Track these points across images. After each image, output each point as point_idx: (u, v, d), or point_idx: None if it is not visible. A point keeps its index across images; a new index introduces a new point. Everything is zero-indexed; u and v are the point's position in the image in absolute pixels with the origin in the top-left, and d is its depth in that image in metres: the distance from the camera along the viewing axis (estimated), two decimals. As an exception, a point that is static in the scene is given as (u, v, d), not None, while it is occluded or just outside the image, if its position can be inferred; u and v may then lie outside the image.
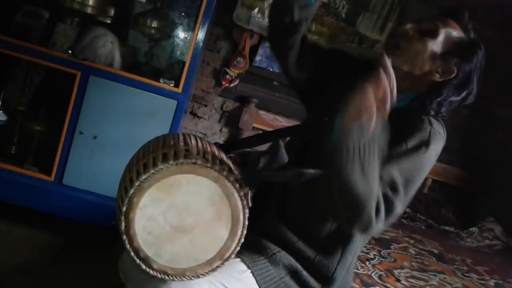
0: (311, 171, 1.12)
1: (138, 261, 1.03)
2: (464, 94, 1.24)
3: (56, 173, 2.24)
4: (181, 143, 1.05)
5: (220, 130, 3.45)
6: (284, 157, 1.15)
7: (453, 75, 1.21)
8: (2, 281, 1.90)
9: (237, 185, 1.04)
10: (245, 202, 1.05)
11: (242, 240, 1.08)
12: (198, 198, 1.03)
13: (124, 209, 1.00)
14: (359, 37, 3.16)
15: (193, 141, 1.07)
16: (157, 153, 1.01)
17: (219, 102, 3.40)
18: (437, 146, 1.18)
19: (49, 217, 2.26)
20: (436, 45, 1.20)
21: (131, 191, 0.99)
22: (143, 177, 0.98)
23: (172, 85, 2.26)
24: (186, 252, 1.05)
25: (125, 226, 1.01)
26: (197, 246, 1.05)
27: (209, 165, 1.01)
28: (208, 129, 3.44)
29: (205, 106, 3.38)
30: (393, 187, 1.11)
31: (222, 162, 1.04)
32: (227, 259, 1.08)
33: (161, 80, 2.25)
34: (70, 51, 2.18)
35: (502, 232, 3.40)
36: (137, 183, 0.98)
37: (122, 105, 2.22)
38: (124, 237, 1.01)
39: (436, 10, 1.31)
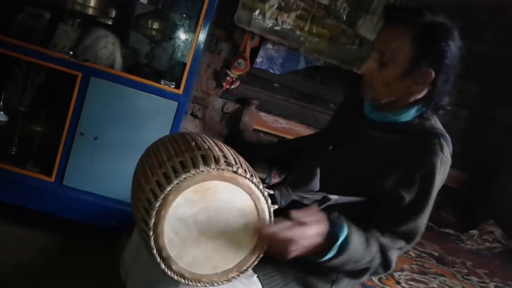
0: (336, 197, 1.15)
1: (159, 259, 1.01)
2: (451, 75, 1.19)
3: (57, 174, 2.24)
4: (216, 148, 1.03)
5: (221, 132, 3.46)
6: (317, 185, 1.15)
7: (432, 77, 1.16)
8: (2, 282, 1.89)
9: (269, 201, 1.04)
10: (272, 219, 1.05)
11: (261, 255, 1.07)
12: (230, 206, 1.02)
13: (157, 204, 0.96)
14: (360, 39, 3.16)
15: (225, 148, 1.06)
16: (195, 154, 0.99)
17: (219, 103, 3.40)
18: (444, 171, 1.19)
19: (49, 218, 2.26)
20: (395, 67, 1.16)
21: (168, 188, 0.96)
22: (183, 176, 0.96)
23: (173, 86, 2.26)
24: (206, 258, 1.04)
25: (155, 223, 0.98)
26: (218, 254, 1.04)
27: (248, 176, 1.00)
28: (208, 131, 3.44)
29: (206, 107, 3.38)
30: (411, 237, 1.21)
31: (255, 174, 1.04)
32: (243, 272, 1.08)
33: (162, 82, 2.25)
34: (71, 52, 2.18)
35: (502, 235, 3.40)
36: (175, 181, 0.96)
37: (123, 106, 2.22)
38: (151, 233, 0.98)
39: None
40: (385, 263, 1.17)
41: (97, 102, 2.19)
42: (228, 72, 3.23)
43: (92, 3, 2.21)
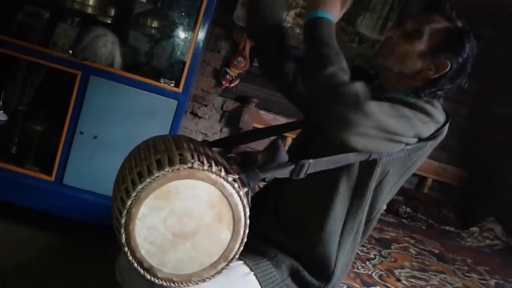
0: (311, 160, 1.13)
1: (142, 271, 1.01)
2: (458, 81, 1.25)
3: (57, 173, 2.24)
4: (173, 147, 1.03)
5: (221, 130, 3.46)
6: (284, 156, 1.13)
7: (447, 69, 1.21)
8: (3, 281, 1.90)
9: (236, 185, 1.03)
10: (245, 202, 1.04)
11: (245, 239, 1.07)
12: (197, 202, 1.01)
13: (123, 221, 0.97)
14: (359, 37, 3.16)
15: (185, 144, 1.06)
16: (151, 160, 0.99)
17: (219, 102, 3.40)
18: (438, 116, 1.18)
19: (49, 217, 2.26)
20: (423, 44, 1.21)
21: (129, 202, 0.97)
22: (140, 187, 0.96)
23: (173, 85, 2.26)
24: (190, 257, 1.04)
25: (126, 238, 0.98)
26: (200, 251, 1.04)
27: (205, 167, 0.99)
28: (209, 129, 3.44)
29: (206, 106, 3.38)
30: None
31: (217, 163, 1.03)
32: (231, 260, 1.08)
33: (161, 80, 2.25)
34: (70, 51, 2.18)
35: (503, 232, 3.41)
36: (134, 194, 0.96)
37: (122, 105, 2.22)
38: (126, 249, 0.99)
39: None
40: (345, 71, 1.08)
41: (97, 101, 2.19)
42: (228, 70, 3.23)
43: (91, 2, 2.21)
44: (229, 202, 1.03)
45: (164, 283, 1.04)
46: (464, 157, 3.73)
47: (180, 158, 0.99)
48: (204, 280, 1.07)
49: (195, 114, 3.39)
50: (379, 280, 2.12)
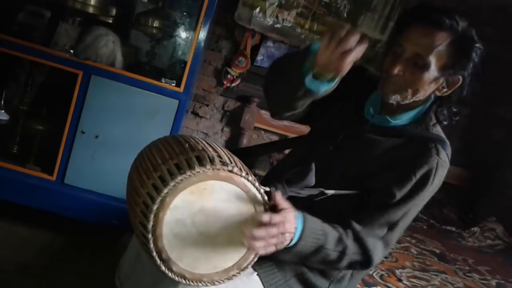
0: (333, 191, 1.16)
1: (159, 261, 1.01)
2: (467, 87, 1.22)
3: (58, 172, 2.24)
4: (210, 148, 1.03)
5: (222, 130, 3.46)
6: (312, 179, 1.16)
7: (460, 83, 1.18)
8: (4, 280, 1.90)
9: (266, 198, 1.04)
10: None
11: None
12: (227, 205, 1.02)
13: (155, 207, 0.97)
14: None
15: (219, 148, 1.06)
16: (189, 156, 0.99)
17: (220, 101, 3.40)
18: (441, 174, 1.20)
19: (50, 217, 2.27)
20: (431, 71, 1.15)
21: (165, 190, 0.96)
22: (179, 178, 0.96)
23: (174, 84, 2.26)
24: (206, 258, 1.04)
25: (153, 225, 0.98)
26: (218, 253, 1.05)
27: (244, 174, 1.00)
28: (210, 128, 3.44)
29: (207, 105, 3.38)
30: (392, 226, 1.20)
31: (251, 172, 1.04)
32: (243, 269, 1.08)
33: (162, 80, 2.25)
34: (72, 51, 2.18)
35: (504, 232, 3.40)
36: (172, 183, 0.96)
37: (123, 104, 2.22)
38: (150, 235, 0.98)
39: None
40: (363, 252, 1.17)
41: (98, 100, 2.19)
42: (229, 70, 3.23)
43: (92, 2, 2.21)
44: (256, 212, 1.04)
45: (176, 278, 1.03)
46: (465, 157, 3.73)
47: (220, 160, 1.00)
48: (214, 283, 1.07)
49: (196, 114, 3.39)
50: (380, 280, 2.12)
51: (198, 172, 0.97)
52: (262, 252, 1.03)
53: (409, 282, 2.20)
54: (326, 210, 1.18)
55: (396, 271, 2.30)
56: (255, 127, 3.40)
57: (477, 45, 1.17)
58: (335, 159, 1.28)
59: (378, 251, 1.19)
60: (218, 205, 1.01)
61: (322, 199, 1.17)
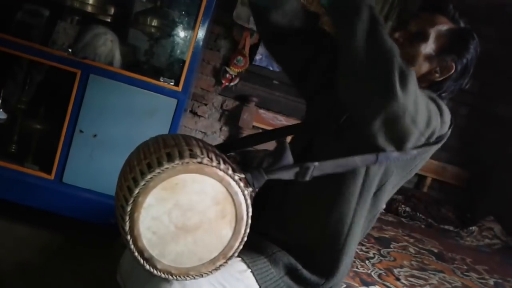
0: (316, 163, 1.12)
1: (142, 261, 1.03)
2: (461, 82, 1.27)
3: (56, 171, 2.24)
4: (183, 143, 1.04)
5: (220, 129, 3.46)
6: (290, 158, 1.12)
7: (452, 71, 1.22)
8: (3, 279, 1.90)
9: (242, 184, 1.04)
10: (248, 201, 1.06)
11: (245, 238, 1.08)
12: (203, 197, 1.02)
13: (128, 209, 0.99)
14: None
15: (194, 141, 1.07)
16: (160, 153, 1.01)
17: (219, 100, 3.40)
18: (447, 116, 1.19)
19: (49, 216, 2.27)
20: (429, 46, 1.21)
21: (136, 190, 0.98)
22: (149, 176, 0.97)
23: (172, 83, 2.26)
24: (189, 251, 1.05)
25: (130, 226, 1.00)
26: (200, 245, 1.05)
27: (214, 164, 1.01)
28: (208, 128, 3.44)
29: (205, 104, 3.38)
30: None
31: (225, 161, 1.04)
32: (230, 258, 1.08)
33: (161, 79, 2.25)
34: (70, 50, 2.18)
35: (502, 231, 3.41)
36: (142, 183, 0.98)
37: (122, 103, 2.22)
38: (128, 237, 1.00)
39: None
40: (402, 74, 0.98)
41: (96, 99, 2.19)
42: (227, 69, 3.23)
43: (91, 1, 2.21)
44: (233, 200, 1.04)
45: (163, 275, 1.05)
46: (463, 157, 3.73)
47: (190, 153, 1.01)
48: (202, 276, 1.07)
49: (194, 113, 3.39)
50: (378, 279, 2.12)
51: (167, 168, 0.98)
52: None
53: (407, 281, 2.20)
54: (307, 191, 1.18)
55: (394, 270, 2.30)
56: (253, 126, 3.40)
57: (476, 40, 1.24)
58: (337, 144, 1.25)
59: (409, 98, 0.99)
60: (192, 198, 1.02)
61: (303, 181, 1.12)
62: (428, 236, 3.08)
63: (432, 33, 1.21)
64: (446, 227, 3.41)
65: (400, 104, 0.96)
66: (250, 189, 1.07)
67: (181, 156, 0.99)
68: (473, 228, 3.40)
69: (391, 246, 2.66)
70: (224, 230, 1.05)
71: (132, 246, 1.01)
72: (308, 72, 1.38)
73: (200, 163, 1.00)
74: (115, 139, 2.23)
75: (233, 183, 1.03)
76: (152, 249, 1.02)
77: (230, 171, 1.03)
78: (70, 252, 2.22)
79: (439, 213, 3.48)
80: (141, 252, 1.02)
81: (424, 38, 1.21)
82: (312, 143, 1.31)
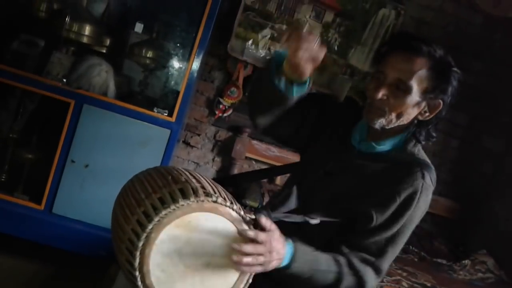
0: (318, 220, 1.16)
1: None
2: (445, 112, 1.25)
3: (46, 202, 2.21)
4: (193, 179, 1.02)
5: (213, 160, 3.45)
6: (293, 202, 1.17)
7: (441, 107, 1.22)
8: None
9: (252, 226, 1.04)
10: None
11: (250, 281, 1.07)
12: (214, 236, 1.01)
13: (140, 244, 0.95)
14: (351, 69, 3.20)
15: (202, 179, 1.06)
16: (172, 188, 0.99)
17: (212, 131, 3.41)
18: (426, 199, 1.22)
19: (38, 247, 2.22)
20: (413, 96, 1.19)
21: (150, 226, 0.95)
22: (163, 212, 0.95)
23: (166, 114, 2.27)
24: None
25: (140, 262, 0.96)
26: (207, 285, 1.03)
27: (228, 204, 1.00)
28: (201, 158, 3.43)
29: (198, 135, 3.39)
30: (380, 252, 1.21)
31: (236, 201, 1.04)
32: None
33: (155, 110, 2.26)
34: (64, 80, 2.19)
35: (495, 265, 3.38)
36: (156, 219, 0.95)
37: (115, 134, 2.22)
38: (137, 273, 0.97)
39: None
40: (356, 275, 1.18)
41: (89, 129, 2.19)
42: (221, 100, 3.25)
43: (86, 32, 2.24)
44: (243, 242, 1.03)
45: None
46: (455, 189, 3.74)
47: (203, 190, 0.99)
48: None
49: (187, 143, 3.38)
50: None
51: (182, 205, 0.96)
52: (248, 270, 1.03)
53: (401, 316, 2.17)
54: (312, 236, 1.18)
55: (388, 304, 2.27)
56: (246, 157, 3.40)
57: (455, 69, 1.22)
58: (323, 185, 1.30)
59: (369, 278, 1.20)
60: (204, 237, 1.00)
61: (308, 226, 1.18)
62: (421, 270, 3.05)
63: (414, 83, 1.17)
64: (439, 260, 3.39)
65: None
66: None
67: (196, 194, 0.97)
68: (466, 261, 3.37)
69: (384, 280, 2.63)
70: (231, 272, 1.04)
71: (139, 283, 0.98)
72: (302, 134, 1.42)
73: (215, 202, 0.98)
74: (107, 169, 2.21)
75: (244, 225, 1.03)
76: (160, 287, 0.99)
77: (242, 212, 1.02)
78: (59, 284, 2.17)
79: (432, 246, 3.45)
80: None
81: (407, 91, 1.18)
82: (301, 178, 1.35)
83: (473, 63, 3.41)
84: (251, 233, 1.01)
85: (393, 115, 1.21)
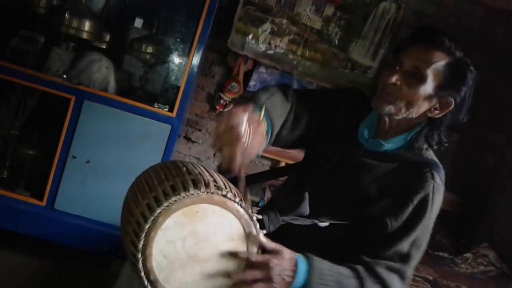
0: (326, 224, 1.15)
1: (146, 282, 1.00)
2: (460, 115, 1.23)
3: (48, 197, 2.22)
4: (206, 174, 1.03)
5: (214, 155, 3.45)
6: (306, 209, 1.15)
7: (452, 106, 1.20)
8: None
9: (258, 226, 1.04)
10: (260, 244, 1.06)
11: None
12: (219, 230, 1.01)
13: (146, 226, 0.97)
14: (352, 63, 3.19)
15: (215, 174, 1.06)
16: (185, 178, 1.00)
17: (213, 126, 3.40)
18: (439, 198, 1.22)
19: (40, 243, 2.23)
20: (427, 87, 1.17)
21: (158, 210, 0.96)
22: (173, 199, 0.96)
23: (167, 109, 2.26)
24: (194, 283, 1.03)
25: (143, 245, 0.97)
26: (206, 279, 1.03)
27: (237, 200, 1.01)
28: (202, 153, 3.43)
29: (199, 130, 3.39)
30: (404, 258, 1.18)
31: (245, 199, 1.04)
32: None
33: (155, 105, 2.26)
34: (65, 76, 2.18)
35: (496, 258, 3.39)
36: (165, 204, 0.96)
37: (116, 129, 2.21)
38: (139, 255, 0.98)
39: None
40: (382, 286, 1.15)
41: (90, 125, 2.19)
42: (222, 95, 3.24)
43: (86, 28, 2.23)
44: (247, 240, 1.04)
45: None
46: (457, 183, 3.73)
47: (215, 184, 1.00)
48: None
49: (188, 139, 3.38)
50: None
51: (192, 194, 0.97)
52: None
53: (403, 310, 2.17)
54: (322, 240, 1.18)
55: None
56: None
57: (473, 71, 1.20)
58: (329, 184, 1.29)
59: (395, 285, 1.17)
60: (209, 229, 1.01)
61: (318, 228, 1.17)
62: (423, 263, 3.05)
63: (430, 74, 1.16)
64: (441, 253, 3.39)
65: None
66: (264, 231, 1.07)
67: (207, 186, 0.98)
68: (468, 255, 3.38)
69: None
70: (232, 268, 1.04)
71: (140, 265, 0.98)
72: (309, 135, 1.40)
73: (225, 196, 0.99)
74: (108, 165, 2.22)
75: (251, 224, 1.03)
76: (159, 272, 1.00)
77: (250, 211, 1.03)
78: (61, 279, 2.18)
79: (434, 239, 3.45)
80: (147, 273, 0.99)
81: (422, 80, 1.16)
82: (307, 178, 1.33)
83: (474, 56, 3.40)
84: (259, 257, 1.02)
85: (403, 104, 1.19)
